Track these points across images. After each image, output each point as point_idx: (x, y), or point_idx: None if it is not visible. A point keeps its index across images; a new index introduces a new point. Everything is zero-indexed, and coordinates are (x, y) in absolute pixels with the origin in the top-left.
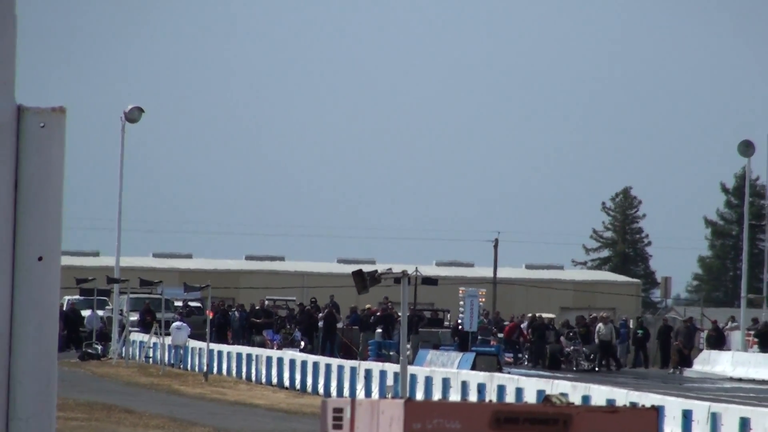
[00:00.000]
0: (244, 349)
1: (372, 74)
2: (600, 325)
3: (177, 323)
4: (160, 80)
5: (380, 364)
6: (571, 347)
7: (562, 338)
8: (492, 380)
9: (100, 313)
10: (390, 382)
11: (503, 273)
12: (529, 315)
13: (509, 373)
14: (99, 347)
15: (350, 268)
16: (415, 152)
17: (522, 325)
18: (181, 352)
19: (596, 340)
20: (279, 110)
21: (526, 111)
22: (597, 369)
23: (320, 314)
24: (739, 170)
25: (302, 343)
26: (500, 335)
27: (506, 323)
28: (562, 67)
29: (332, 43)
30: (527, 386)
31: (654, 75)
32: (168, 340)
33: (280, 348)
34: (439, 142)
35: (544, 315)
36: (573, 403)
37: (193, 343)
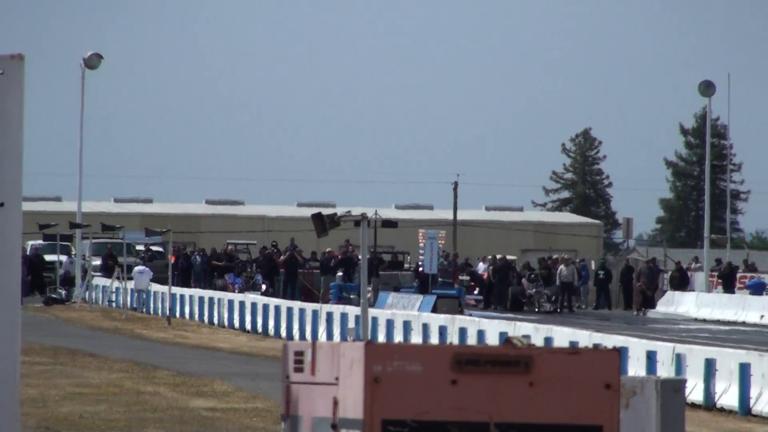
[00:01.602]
0: (207, 293)
1: (331, 16)
2: (561, 266)
3: (139, 267)
4: (119, 26)
5: (341, 306)
6: (533, 289)
7: (523, 280)
8: (453, 322)
9: (65, 258)
10: (351, 324)
11: (463, 215)
12: (490, 257)
13: (470, 315)
14: (63, 292)
15: (310, 212)
16: (374, 95)
17: (482, 267)
18: (144, 296)
19: (558, 282)
20: (238, 53)
21: (485, 53)
22: (559, 311)
23: (281, 258)
24: (699, 111)
25: (263, 287)
26: (462, 277)
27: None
28: (521, 9)
29: None
30: (489, 328)
31: (613, 16)
32: (130, 285)
33: (241, 291)
34: (398, 84)
35: (508, 257)
36: (534, 345)
37: (156, 287)
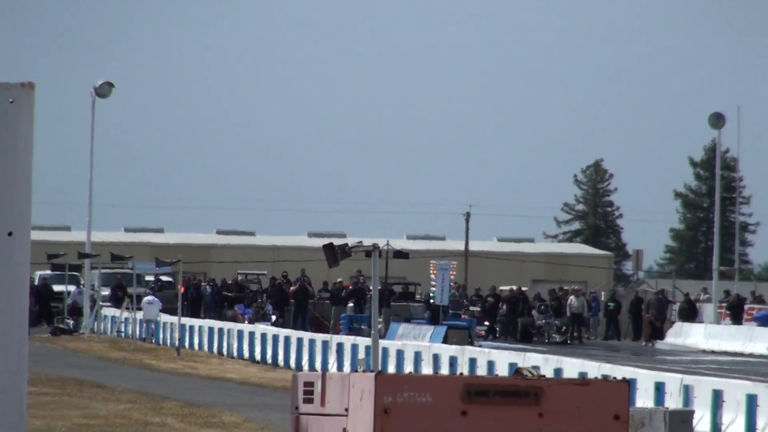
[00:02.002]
0: (216, 324)
1: (342, 46)
2: (572, 297)
3: (148, 297)
4: (131, 55)
5: (352, 337)
6: (543, 320)
7: (533, 311)
8: (463, 353)
9: (73, 288)
10: (362, 355)
11: (475, 246)
12: (501, 288)
13: (480, 346)
14: (71, 322)
15: (321, 242)
16: (387, 125)
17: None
18: (153, 326)
19: (568, 313)
20: (250, 84)
21: (498, 84)
22: (569, 342)
23: (292, 288)
24: (708, 143)
25: (273, 317)
26: (473, 308)
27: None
28: (534, 41)
29: (301, 14)
30: (499, 359)
31: (624, 49)
32: (139, 315)
33: (251, 322)
34: (411, 114)
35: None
36: (544, 376)
37: (165, 318)
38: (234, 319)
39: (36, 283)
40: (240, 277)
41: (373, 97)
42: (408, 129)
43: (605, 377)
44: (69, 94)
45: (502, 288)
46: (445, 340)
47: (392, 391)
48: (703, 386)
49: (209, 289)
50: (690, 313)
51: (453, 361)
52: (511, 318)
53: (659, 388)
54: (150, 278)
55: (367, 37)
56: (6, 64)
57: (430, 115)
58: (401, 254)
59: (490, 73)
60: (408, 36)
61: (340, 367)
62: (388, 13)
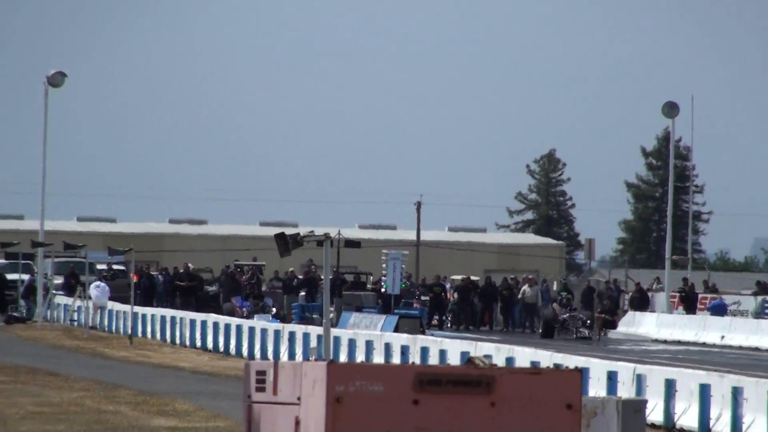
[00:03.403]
0: (168, 312)
1: (292, 38)
2: (525, 287)
3: (96, 282)
4: (83, 44)
5: (304, 327)
6: (567, 314)
7: (554, 304)
8: (415, 342)
9: (27, 276)
10: (314, 344)
11: (426, 236)
12: (453, 277)
13: (432, 335)
14: (24, 307)
15: (273, 231)
16: (338, 116)
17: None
18: (100, 312)
19: (521, 303)
20: (201, 74)
21: (451, 74)
22: (599, 338)
23: (244, 277)
24: (661, 132)
25: (273, 309)
26: (424, 298)
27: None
28: (486, 31)
29: (243, 4)
30: (451, 348)
31: (576, 40)
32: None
33: (250, 315)
34: (363, 105)
35: (472, 278)
36: (496, 365)
37: (118, 306)
38: (231, 313)
39: None
40: (191, 266)
41: (325, 88)
42: (360, 119)
43: (557, 366)
44: (21, 84)
45: (453, 277)
46: (397, 329)
47: (344, 380)
48: (656, 375)
49: (161, 278)
50: (641, 303)
51: (405, 350)
52: (462, 307)
53: (612, 378)
54: (102, 267)
55: (319, 29)
56: None
57: (382, 105)
58: (353, 243)
59: (443, 65)
60: (359, 28)
61: (292, 356)
62: (337, 10)
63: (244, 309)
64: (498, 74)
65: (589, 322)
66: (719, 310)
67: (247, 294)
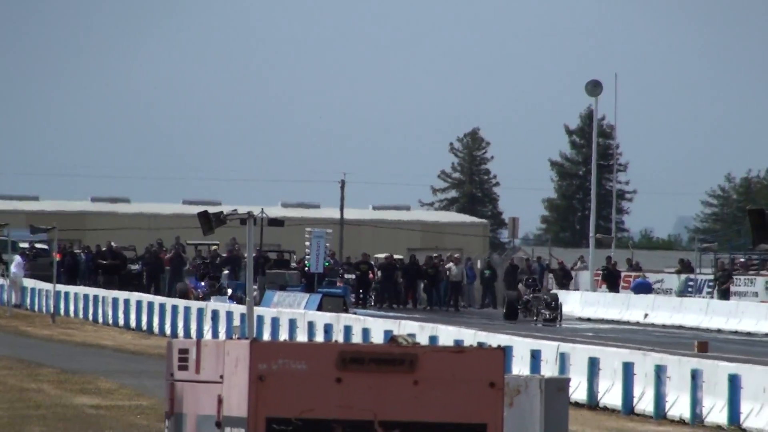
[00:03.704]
0: (91, 291)
1: (212, 16)
2: (451, 265)
3: (17, 260)
4: (11, 20)
5: (227, 305)
6: (531, 294)
7: (520, 285)
8: (339, 321)
9: None
10: (237, 323)
11: (350, 214)
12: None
13: (356, 313)
14: None
15: (196, 210)
16: (261, 93)
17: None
18: (24, 291)
19: (447, 281)
20: (126, 49)
21: (374, 51)
22: (560, 323)
23: (167, 255)
24: (584, 110)
25: (230, 291)
26: (348, 276)
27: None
28: (408, 8)
29: None
30: (374, 327)
31: (501, 17)
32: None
33: (205, 297)
34: (285, 82)
35: (396, 256)
36: (419, 344)
37: (40, 285)
38: (185, 294)
39: None
40: (115, 245)
41: (247, 67)
42: (284, 97)
43: (481, 345)
44: None
45: (377, 255)
46: (320, 308)
47: (267, 359)
48: (579, 354)
49: (84, 256)
50: (564, 280)
51: (328, 329)
52: (386, 285)
53: (535, 356)
54: (25, 245)
55: (236, 6)
56: None
57: (305, 83)
58: (276, 222)
59: (366, 42)
60: (277, 4)
61: (215, 335)
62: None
63: (199, 291)
64: (421, 52)
65: (553, 304)
66: (643, 288)
67: (202, 274)
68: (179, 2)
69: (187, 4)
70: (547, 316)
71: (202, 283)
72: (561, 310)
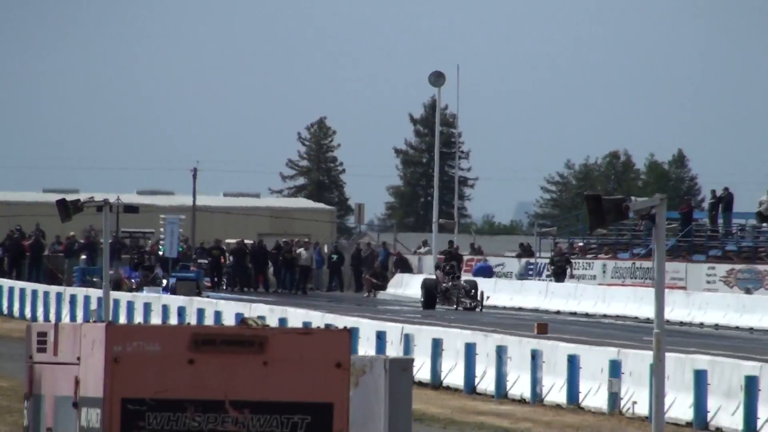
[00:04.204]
0: None
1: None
2: (301, 250)
3: None
4: None
5: (84, 289)
6: (449, 282)
7: (437, 272)
8: (192, 304)
9: None
10: (94, 306)
11: (202, 201)
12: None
13: (208, 296)
14: None
15: (55, 197)
16: (118, 83)
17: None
18: None
19: (297, 265)
20: None
21: (225, 41)
22: (480, 309)
23: (27, 242)
24: (428, 100)
25: (164, 282)
26: (201, 261)
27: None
28: (255, 1)
29: None
30: (226, 309)
31: (347, 9)
32: None
33: (139, 288)
34: (138, 72)
35: (246, 241)
36: (269, 326)
37: None
38: (118, 284)
39: None
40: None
41: (104, 55)
42: (138, 87)
43: (328, 326)
44: None
45: (228, 241)
46: (174, 292)
47: (122, 341)
48: (424, 335)
49: None
50: (402, 267)
51: (181, 312)
52: (237, 269)
53: (381, 337)
54: None
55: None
56: None
57: (158, 74)
58: (131, 208)
59: (218, 32)
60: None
61: (73, 318)
62: None
63: (132, 281)
64: (271, 43)
65: (473, 291)
66: (485, 271)
67: (136, 264)
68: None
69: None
70: (468, 304)
71: (136, 273)
72: (482, 298)
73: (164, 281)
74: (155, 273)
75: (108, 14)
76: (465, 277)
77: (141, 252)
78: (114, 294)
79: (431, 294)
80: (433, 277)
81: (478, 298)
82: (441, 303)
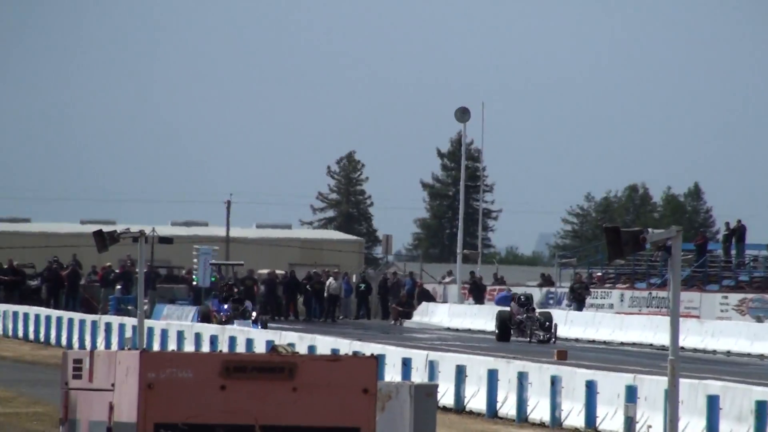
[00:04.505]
0: None
1: (101, 35)
2: (331, 279)
3: None
4: None
5: (119, 318)
6: (524, 314)
7: (512, 303)
8: (224, 332)
9: None
10: (129, 334)
11: (235, 232)
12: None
13: (240, 325)
14: None
15: (92, 228)
16: (152, 117)
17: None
18: None
19: (326, 294)
20: (20, 76)
21: (253, 76)
22: (554, 340)
23: (64, 272)
24: (454, 135)
25: (254, 314)
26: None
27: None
28: (285, 33)
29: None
30: (257, 337)
31: (376, 46)
32: None
33: (228, 321)
34: (175, 108)
35: (277, 271)
36: (298, 353)
37: None
38: (207, 317)
39: None
40: (15, 262)
41: (138, 92)
42: (174, 121)
43: (356, 353)
44: None
45: (260, 271)
46: (265, 325)
47: (156, 368)
48: (447, 362)
49: None
50: (426, 297)
51: (214, 340)
52: (269, 298)
53: (406, 364)
54: None
55: (121, 24)
56: None
57: (193, 107)
58: (166, 240)
59: (250, 68)
60: (159, 22)
61: (108, 346)
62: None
63: (222, 314)
64: (303, 81)
65: (548, 324)
66: (506, 300)
67: (224, 297)
68: (67, 27)
69: (82, 30)
70: (541, 336)
71: (225, 306)
72: (556, 330)
73: (253, 314)
74: (245, 306)
75: (140, 49)
76: (540, 309)
77: (230, 285)
78: (148, 322)
79: (505, 326)
80: (507, 309)
81: (552, 330)
82: (515, 335)
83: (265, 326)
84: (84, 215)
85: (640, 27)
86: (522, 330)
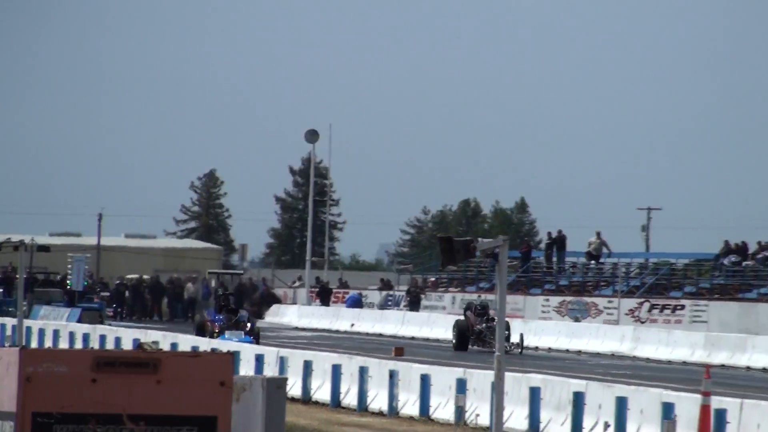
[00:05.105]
0: None
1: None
2: (189, 284)
3: None
4: None
5: (1, 318)
6: (483, 324)
7: (468, 312)
8: (95, 331)
9: None
10: (9, 333)
11: (106, 241)
12: (129, 276)
13: (110, 324)
14: None
15: None
16: (31, 136)
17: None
18: None
19: (186, 296)
20: None
21: (124, 100)
22: (520, 351)
23: None
24: (305, 154)
25: (249, 325)
26: (104, 293)
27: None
28: (141, 61)
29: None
30: (125, 336)
31: (233, 72)
32: None
33: (222, 331)
34: (51, 127)
35: (144, 276)
36: (162, 350)
37: None
38: (202, 327)
39: None
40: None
41: (14, 101)
42: (52, 140)
43: (214, 350)
44: None
45: (129, 276)
46: (80, 320)
47: (34, 363)
48: (296, 358)
49: None
50: (274, 301)
51: (86, 337)
52: (135, 301)
53: (259, 360)
54: None
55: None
56: None
57: (67, 128)
58: (44, 248)
59: (118, 91)
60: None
61: None
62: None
63: (216, 324)
64: (166, 103)
65: (507, 332)
66: (356, 301)
67: (220, 307)
68: None
69: None
70: (509, 347)
71: (220, 316)
72: (522, 340)
73: (248, 325)
74: (239, 316)
75: (6, 64)
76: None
77: (226, 295)
78: (27, 322)
79: (464, 336)
80: (463, 318)
81: (515, 340)
82: (474, 344)
83: (257, 340)
84: None
85: (466, 47)
86: (482, 339)
